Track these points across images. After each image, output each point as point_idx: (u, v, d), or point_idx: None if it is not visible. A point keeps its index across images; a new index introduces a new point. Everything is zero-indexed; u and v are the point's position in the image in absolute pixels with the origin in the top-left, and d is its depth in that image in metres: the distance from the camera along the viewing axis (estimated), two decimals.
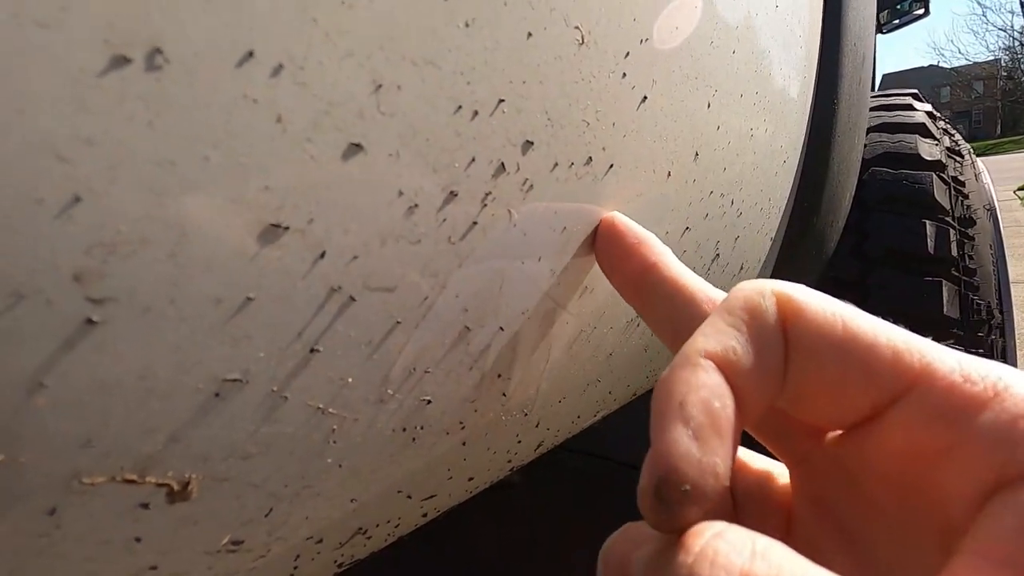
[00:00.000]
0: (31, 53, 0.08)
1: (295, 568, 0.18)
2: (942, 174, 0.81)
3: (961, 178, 0.84)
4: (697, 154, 0.30)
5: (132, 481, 0.11)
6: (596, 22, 0.19)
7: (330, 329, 0.14)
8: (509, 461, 0.28)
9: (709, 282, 0.39)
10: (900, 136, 0.85)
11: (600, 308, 0.26)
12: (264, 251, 0.12)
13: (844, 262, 0.77)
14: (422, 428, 0.19)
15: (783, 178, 0.49)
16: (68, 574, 0.11)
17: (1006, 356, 0.77)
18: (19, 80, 0.08)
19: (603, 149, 0.21)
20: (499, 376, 0.21)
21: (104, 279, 0.09)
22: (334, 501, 0.17)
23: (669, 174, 0.27)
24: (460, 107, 0.15)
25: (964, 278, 0.76)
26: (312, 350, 0.14)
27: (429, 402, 0.18)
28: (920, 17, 2.89)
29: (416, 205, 0.15)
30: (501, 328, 0.20)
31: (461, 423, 0.21)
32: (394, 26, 0.13)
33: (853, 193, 0.69)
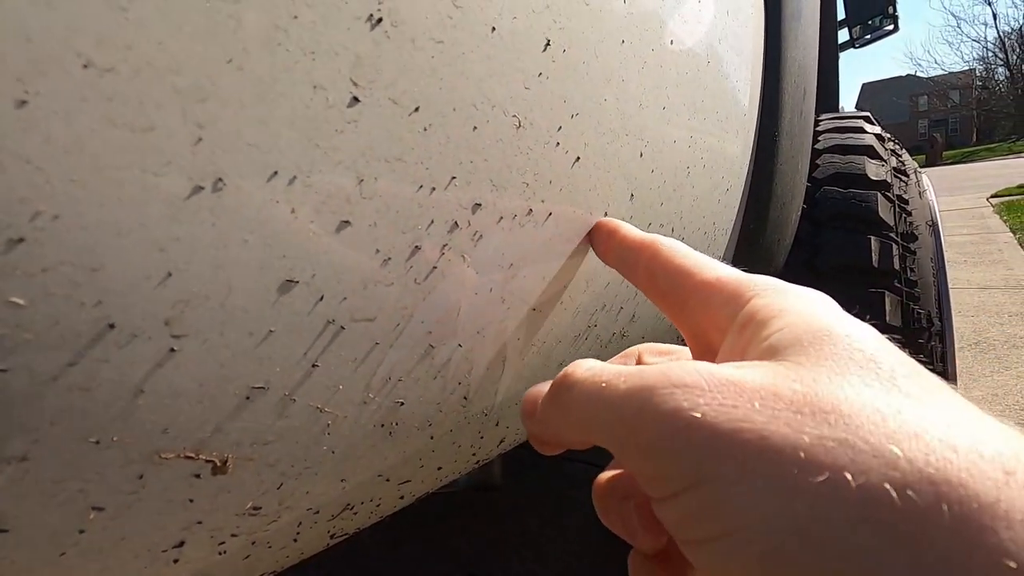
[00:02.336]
0: None
1: (297, 534, 0.23)
2: (887, 193, 0.88)
3: (905, 196, 0.91)
4: (632, 195, 0.35)
5: (190, 457, 0.16)
6: (531, 109, 0.24)
7: (326, 351, 0.19)
8: (474, 455, 0.33)
9: None
10: (850, 157, 0.92)
11: (548, 326, 0.32)
12: (281, 298, 0.17)
13: (798, 274, 0.83)
14: (397, 424, 0.24)
15: (727, 205, 0.55)
16: (144, 522, 0.16)
17: (945, 360, 0.84)
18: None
19: (542, 202, 0.27)
20: (459, 384, 0.26)
21: (182, 322, 0.14)
22: (328, 480, 0.22)
23: (605, 214, 0.33)
24: (421, 186, 0.20)
25: (906, 289, 0.83)
26: (313, 365, 0.19)
27: (402, 404, 0.24)
28: (890, 33, 3.01)
29: (389, 258, 0.20)
30: (459, 345, 0.25)
31: (429, 422, 0.26)
32: (371, 137, 0.18)
33: (799, 213, 0.75)
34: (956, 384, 0.76)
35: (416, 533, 1.29)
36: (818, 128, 1.01)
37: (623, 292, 0.39)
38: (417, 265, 0.21)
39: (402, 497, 0.28)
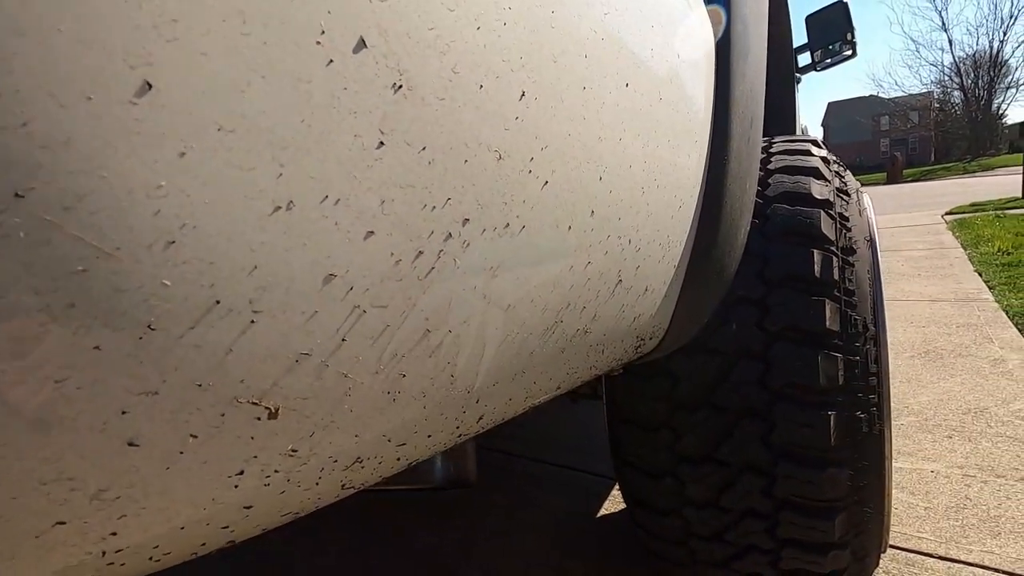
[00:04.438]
0: None
1: (319, 478, 0.29)
2: (830, 211, 0.97)
3: (846, 214, 1.01)
4: (593, 212, 0.42)
5: (255, 403, 0.22)
6: (509, 145, 0.31)
7: (352, 329, 0.25)
8: (457, 427, 0.39)
9: (615, 301, 0.52)
10: (797, 178, 1.01)
11: (521, 319, 0.38)
12: (324, 287, 0.23)
13: (750, 283, 0.92)
14: (399, 393, 0.30)
15: (680, 220, 0.63)
16: (221, 450, 0.22)
17: (879, 362, 0.93)
18: None
19: (517, 217, 0.33)
20: (448, 363, 0.33)
21: (260, 302, 0.21)
22: (346, 434, 0.28)
23: (570, 227, 0.40)
24: (425, 205, 0.27)
25: (844, 297, 0.92)
26: (343, 340, 0.25)
27: (404, 376, 0.30)
28: (849, 58, 3.19)
29: (400, 260, 0.26)
30: (450, 331, 0.31)
31: (424, 393, 0.32)
32: (389, 170, 0.24)
33: (748, 228, 0.84)
34: (889, 384, 0.85)
35: (387, 525, 1.34)
36: (772, 150, 1.11)
37: (585, 294, 0.46)
38: (420, 266, 0.27)
39: (399, 458, 0.34)
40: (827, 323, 0.88)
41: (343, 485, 0.32)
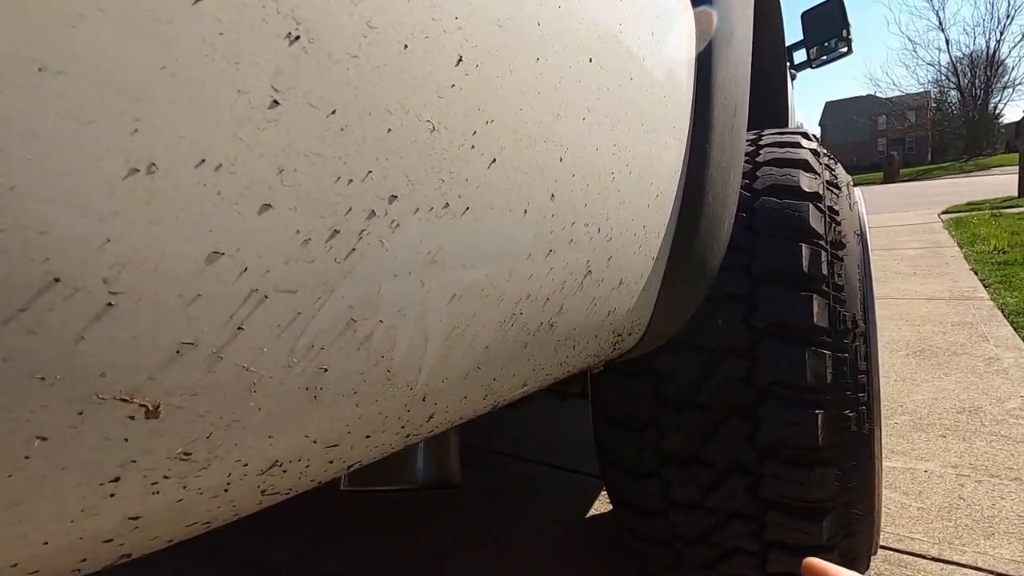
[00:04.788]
0: None
1: (228, 484, 0.26)
2: (819, 204, 0.95)
3: (836, 207, 0.98)
4: (553, 196, 0.39)
5: (125, 400, 0.19)
6: (444, 115, 0.28)
7: (251, 316, 0.22)
8: (403, 427, 0.36)
9: (584, 294, 0.48)
10: (786, 170, 0.98)
11: (471, 311, 0.35)
12: (208, 267, 0.20)
13: (736, 279, 0.89)
14: (321, 389, 0.27)
15: (658, 209, 0.60)
16: (83, 454, 0.19)
17: (868, 359, 0.91)
18: None
19: (459, 197, 0.30)
20: (383, 357, 0.30)
21: (118, 280, 0.18)
22: (255, 435, 0.25)
23: (525, 211, 0.37)
24: (339, 178, 0.24)
25: (833, 293, 0.89)
26: (239, 328, 0.22)
27: (326, 371, 0.27)
28: (845, 55, 3.17)
29: (309, 239, 0.23)
30: (381, 321, 0.29)
31: (354, 389, 0.29)
32: (288, 135, 0.21)
33: (732, 220, 0.81)
34: (879, 380, 0.82)
35: (382, 524, 1.31)
36: (761, 142, 1.08)
37: (549, 285, 0.43)
38: (337, 246, 0.24)
39: (331, 461, 0.31)
40: (815, 319, 0.85)
41: (264, 491, 0.29)
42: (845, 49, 3.08)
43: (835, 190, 1.01)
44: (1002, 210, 6.45)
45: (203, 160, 0.19)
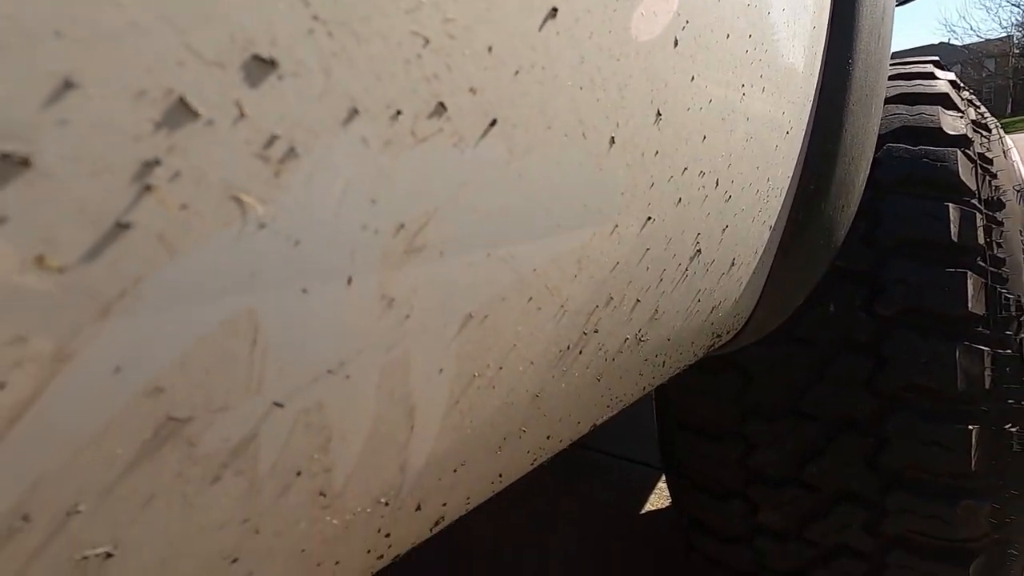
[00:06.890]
0: None
1: None
2: (967, 151, 0.71)
3: (989, 155, 0.75)
4: (660, 114, 0.21)
5: None
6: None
7: None
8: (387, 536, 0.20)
9: (683, 284, 0.30)
10: (920, 108, 0.75)
11: (502, 340, 0.18)
12: None
13: (854, 250, 0.68)
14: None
15: (785, 153, 0.40)
16: None
17: None
18: None
19: (471, 91, 0.12)
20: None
21: None
22: None
23: (613, 140, 0.18)
24: None
25: (992, 269, 0.67)
26: None
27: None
28: None
29: None
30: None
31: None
32: None
33: (868, 172, 0.59)
34: None
35: None
36: None
37: (642, 277, 0.25)
38: None
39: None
40: (969, 304, 0.63)
41: None
42: None
43: (985, 132, 0.77)
44: None
45: None
